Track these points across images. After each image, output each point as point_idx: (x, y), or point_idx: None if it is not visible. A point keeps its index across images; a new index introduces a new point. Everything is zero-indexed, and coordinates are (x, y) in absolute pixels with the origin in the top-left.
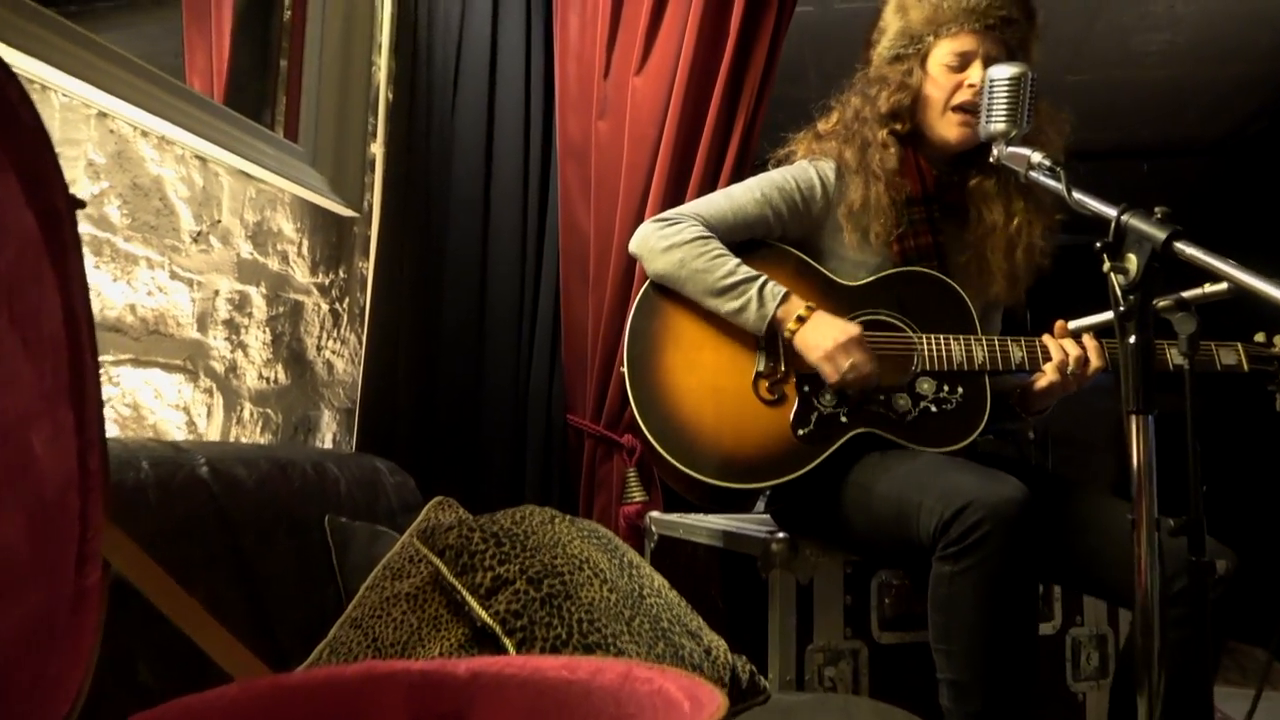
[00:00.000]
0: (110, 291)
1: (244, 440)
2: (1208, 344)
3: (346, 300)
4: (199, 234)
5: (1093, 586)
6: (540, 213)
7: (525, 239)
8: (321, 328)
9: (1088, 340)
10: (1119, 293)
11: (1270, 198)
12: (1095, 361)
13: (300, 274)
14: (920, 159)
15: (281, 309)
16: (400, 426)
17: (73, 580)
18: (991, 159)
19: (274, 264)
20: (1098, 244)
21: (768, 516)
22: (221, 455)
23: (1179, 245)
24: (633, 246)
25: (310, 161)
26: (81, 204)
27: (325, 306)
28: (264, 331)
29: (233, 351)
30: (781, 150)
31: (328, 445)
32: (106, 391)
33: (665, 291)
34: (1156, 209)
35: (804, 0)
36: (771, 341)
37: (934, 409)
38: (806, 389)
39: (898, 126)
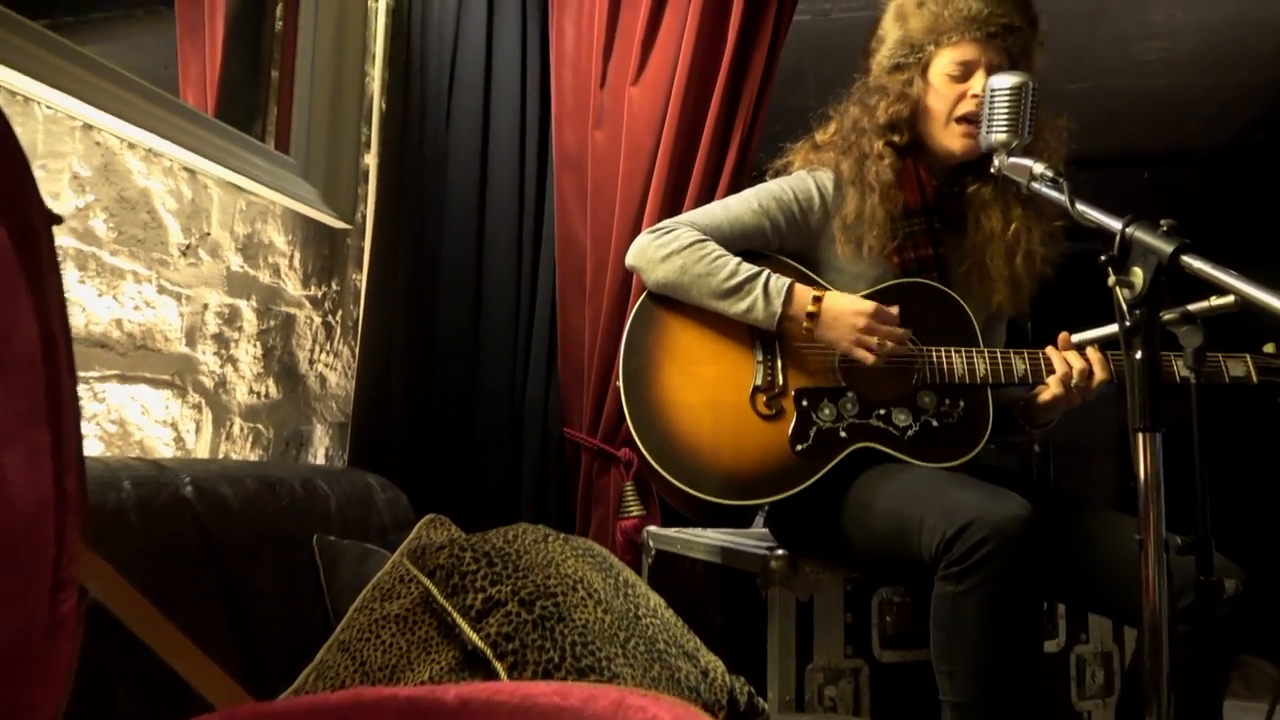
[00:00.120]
0: (96, 306)
1: (234, 457)
2: (1215, 356)
3: (339, 313)
4: (188, 247)
5: (1098, 605)
6: (536, 223)
7: (521, 250)
8: (314, 341)
9: (1091, 353)
10: (1124, 307)
11: (1272, 206)
12: (1099, 374)
13: (292, 286)
14: (921, 169)
15: (273, 322)
16: (394, 440)
17: (47, 607)
18: (993, 170)
19: (265, 277)
20: (1102, 257)
21: (767, 532)
22: (206, 474)
23: (1186, 259)
24: (630, 259)
25: (302, 173)
26: (59, 219)
27: (318, 319)
28: (255, 345)
29: (222, 366)
30: (779, 161)
31: (320, 460)
32: (92, 408)
33: (662, 303)
34: (1163, 221)
35: (802, 8)
36: (769, 353)
37: (935, 423)
38: (805, 404)
39: (895, 138)
